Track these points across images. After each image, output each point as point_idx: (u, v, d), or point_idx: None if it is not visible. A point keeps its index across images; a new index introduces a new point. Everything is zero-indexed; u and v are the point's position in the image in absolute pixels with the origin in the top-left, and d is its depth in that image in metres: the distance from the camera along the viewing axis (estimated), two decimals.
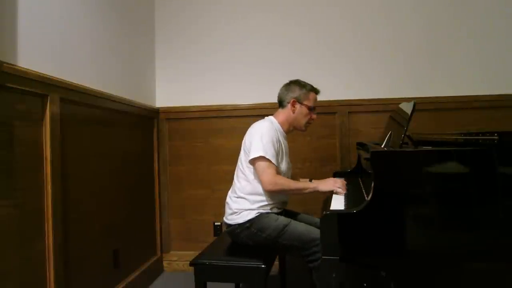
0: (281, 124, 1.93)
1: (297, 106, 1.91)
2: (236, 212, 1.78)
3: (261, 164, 1.73)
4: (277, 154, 1.78)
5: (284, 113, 1.94)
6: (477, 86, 2.49)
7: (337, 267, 1.26)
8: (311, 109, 1.93)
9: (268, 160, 1.72)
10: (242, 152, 1.88)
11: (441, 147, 1.41)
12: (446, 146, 1.44)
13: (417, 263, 1.25)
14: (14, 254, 1.37)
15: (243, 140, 1.87)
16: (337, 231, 1.26)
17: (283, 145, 1.87)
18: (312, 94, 1.93)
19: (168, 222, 2.77)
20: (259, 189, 1.77)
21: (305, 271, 1.65)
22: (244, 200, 1.79)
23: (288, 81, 1.98)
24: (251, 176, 1.81)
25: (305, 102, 1.91)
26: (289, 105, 1.91)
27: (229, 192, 1.91)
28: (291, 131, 1.98)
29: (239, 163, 1.89)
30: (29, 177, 1.46)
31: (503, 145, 1.22)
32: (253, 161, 1.76)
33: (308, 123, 1.96)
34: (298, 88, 1.92)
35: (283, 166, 1.85)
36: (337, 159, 2.62)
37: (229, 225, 1.82)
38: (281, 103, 1.96)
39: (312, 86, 1.95)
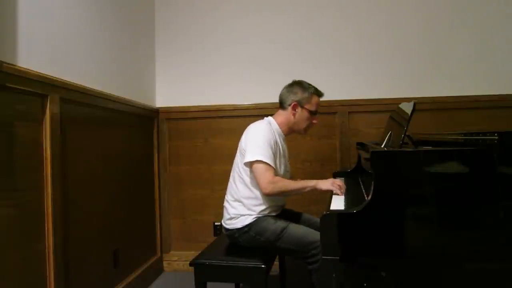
0: (280, 125, 1.86)
1: (298, 109, 1.84)
2: (233, 217, 1.76)
3: (258, 167, 1.67)
4: (275, 156, 1.73)
5: (284, 116, 1.87)
6: (477, 86, 2.49)
7: (337, 267, 1.26)
8: (312, 113, 1.86)
9: (265, 163, 1.67)
10: (238, 153, 1.83)
11: (441, 147, 1.41)
12: (446, 146, 1.44)
13: (417, 263, 1.24)
14: (14, 254, 1.37)
15: (240, 141, 1.83)
16: (337, 231, 1.26)
17: (280, 148, 1.82)
18: (315, 98, 1.85)
19: (168, 222, 2.77)
20: (257, 193, 1.74)
21: (305, 271, 1.65)
22: (241, 205, 1.76)
23: (291, 81, 1.90)
24: (248, 180, 1.76)
25: (307, 106, 1.83)
26: (289, 108, 1.84)
27: (226, 194, 1.86)
28: (290, 133, 1.93)
29: (235, 164, 1.84)
30: (29, 177, 1.46)
31: (503, 145, 1.22)
32: (250, 164, 1.71)
33: (308, 127, 1.90)
34: (301, 91, 1.84)
35: (281, 169, 1.81)
36: (337, 159, 2.62)
37: (227, 229, 1.80)
38: (282, 104, 1.89)
39: (316, 89, 1.86)
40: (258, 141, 1.70)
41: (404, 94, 2.49)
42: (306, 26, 2.66)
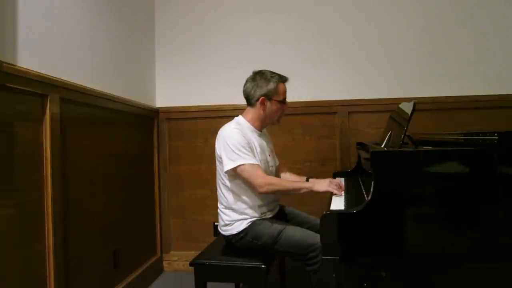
0: (251, 122, 1.81)
1: (267, 103, 1.77)
2: (228, 224, 1.75)
3: (245, 170, 1.63)
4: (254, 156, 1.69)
5: (254, 112, 1.80)
6: (477, 86, 2.49)
7: (337, 267, 1.26)
8: (282, 102, 1.80)
9: (249, 164, 1.63)
10: (217, 162, 1.78)
11: (441, 147, 1.41)
12: (446, 146, 1.44)
13: (417, 263, 1.24)
14: (14, 254, 1.37)
15: (215, 147, 1.77)
16: (337, 231, 1.26)
17: (257, 146, 1.76)
18: (281, 86, 1.78)
19: (168, 222, 2.77)
20: (244, 197, 1.71)
21: (305, 271, 1.65)
22: (233, 211, 1.74)
23: (252, 74, 1.82)
24: (232, 186, 1.73)
25: (275, 98, 1.77)
26: (258, 104, 1.77)
27: (218, 201, 1.84)
28: (264, 127, 1.88)
29: (217, 172, 1.80)
30: (29, 177, 1.46)
31: (503, 145, 1.22)
32: (232, 171, 1.67)
33: (280, 116, 1.84)
34: (265, 83, 1.76)
35: (262, 165, 1.76)
36: (337, 159, 2.62)
37: (224, 235, 1.79)
38: (249, 101, 1.81)
39: (279, 76, 1.79)
40: (233, 148, 1.65)
41: (404, 94, 2.49)
42: (306, 26, 2.66)
